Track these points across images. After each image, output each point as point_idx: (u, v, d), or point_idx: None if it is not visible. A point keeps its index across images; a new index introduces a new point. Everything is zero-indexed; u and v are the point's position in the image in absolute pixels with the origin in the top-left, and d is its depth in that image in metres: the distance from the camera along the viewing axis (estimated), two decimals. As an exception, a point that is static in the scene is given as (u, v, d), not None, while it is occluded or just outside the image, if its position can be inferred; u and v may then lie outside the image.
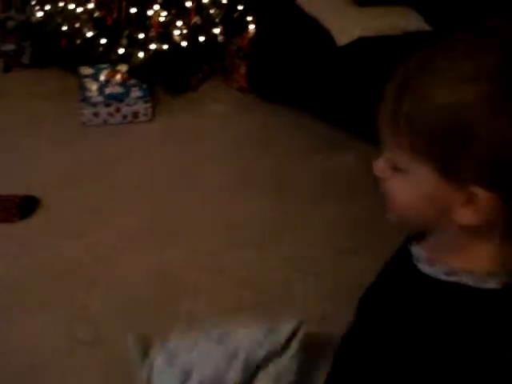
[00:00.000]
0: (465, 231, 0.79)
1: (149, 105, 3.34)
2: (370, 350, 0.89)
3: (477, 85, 0.70)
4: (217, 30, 3.54)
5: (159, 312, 2.16)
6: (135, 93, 3.34)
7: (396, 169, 0.81)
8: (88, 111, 3.27)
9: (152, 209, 2.72)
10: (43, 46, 3.78)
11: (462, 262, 0.81)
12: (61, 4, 3.61)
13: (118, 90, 3.37)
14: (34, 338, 2.09)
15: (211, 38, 3.53)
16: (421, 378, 0.81)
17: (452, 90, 0.71)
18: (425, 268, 0.85)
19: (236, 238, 2.57)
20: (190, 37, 3.49)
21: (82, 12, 3.54)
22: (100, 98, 3.31)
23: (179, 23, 3.48)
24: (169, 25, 3.46)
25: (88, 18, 3.52)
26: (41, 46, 3.80)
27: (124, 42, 3.45)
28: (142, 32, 3.45)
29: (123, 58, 3.50)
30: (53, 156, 3.03)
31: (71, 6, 3.57)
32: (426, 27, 3.11)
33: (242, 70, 3.62)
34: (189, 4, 3.48)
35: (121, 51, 3.47)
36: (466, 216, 0.76)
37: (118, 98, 3.32)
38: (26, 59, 3.89)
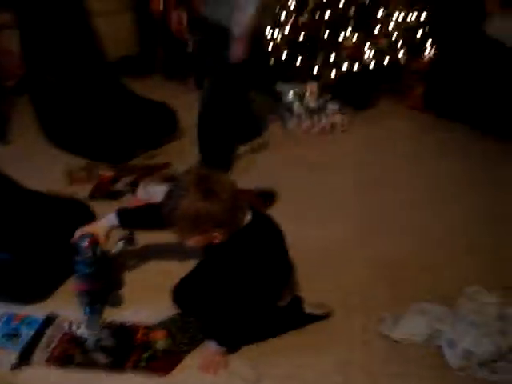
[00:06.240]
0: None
1: (345, 117, 3.68)
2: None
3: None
4: (400, 54, 3.88)
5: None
6: (332, 106, 3.70)
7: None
8: (293, 121, 3.64)
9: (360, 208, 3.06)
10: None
11: None
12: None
13: (317, 104, 3.72)
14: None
15: (394, 60, 3.88)
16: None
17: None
18: None
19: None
20: (376, 59, 3.83)
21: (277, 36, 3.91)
22: (302, 111, 3.67)
23: (367, 46, 3.82)
24: (359, 47, 3.80)
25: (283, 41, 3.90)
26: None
27: (319, 62, 3.81)
28: (335, 53, 3.80)
29: (315, 77, 3.86)
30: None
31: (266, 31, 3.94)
32: None
33: (417, 90, 3.96)
34: (376, 29, 3.84)
35: (315, 71, 3.83)
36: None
37: (317, 111, 3.67)
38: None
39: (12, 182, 2.77)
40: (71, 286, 2.34)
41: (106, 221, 2.19)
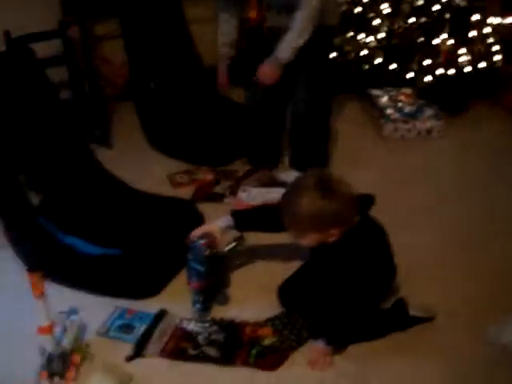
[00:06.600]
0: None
1: (441, 122, 3.65)
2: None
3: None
4: (496, 57, 3.81)
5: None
6: (428, 112, 3.67)
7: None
8: (389, 127, 3.63)
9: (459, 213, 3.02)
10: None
11: None
12: (350, 34, 3.99)
13: (412, 109, 3.70)
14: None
15: (491, 64, 3.81)
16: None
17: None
18: None
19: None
20: (473, 63, 3.78)
21: (371, 41, 3.91)
22: (398, 116, 3.66)
23: (463, 50, 3.77)
24: (454, 52, 3.76)
25: (377, 46, 3.90)
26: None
27: (414, 67, 3.79)
28: (430, 58, 3.78)
29: (409, 82, 3.84)
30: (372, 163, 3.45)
31: (360, 36, 3.95)
32: None
33: (515, 94, 3.88)
34: (472, 33, 3.79)
35: (409, 75, 3.81)
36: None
37: (413, 116, 3.65)
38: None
39: (121, 182, 2.91)
40: (180, 282, 2.43)
41: (221, 222, 2.27)
